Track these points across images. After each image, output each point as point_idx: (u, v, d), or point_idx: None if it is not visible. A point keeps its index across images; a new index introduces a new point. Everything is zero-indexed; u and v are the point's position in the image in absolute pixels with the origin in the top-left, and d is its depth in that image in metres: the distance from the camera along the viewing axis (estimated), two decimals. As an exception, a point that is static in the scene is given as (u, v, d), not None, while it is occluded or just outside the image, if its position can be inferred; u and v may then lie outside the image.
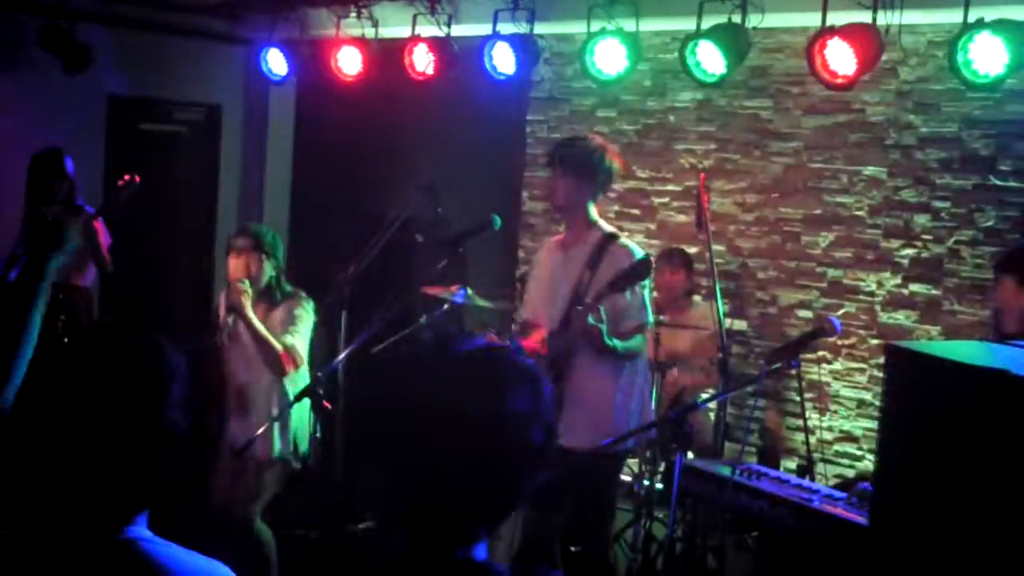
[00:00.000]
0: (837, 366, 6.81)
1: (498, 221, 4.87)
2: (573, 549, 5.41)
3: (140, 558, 1.85)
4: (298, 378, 4.98)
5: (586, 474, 4.52)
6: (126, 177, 6.11)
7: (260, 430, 4.72)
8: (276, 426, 4.91)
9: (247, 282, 4.86)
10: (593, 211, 4.76)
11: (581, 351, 4.58)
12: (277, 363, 4.84)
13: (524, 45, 6.43)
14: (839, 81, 5.36)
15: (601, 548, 4.80)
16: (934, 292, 6.46)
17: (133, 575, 1.84)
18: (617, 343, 4.52)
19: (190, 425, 1.94)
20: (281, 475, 5.04)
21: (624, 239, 4.75)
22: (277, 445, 4.93)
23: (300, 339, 4.94)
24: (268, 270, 4.98)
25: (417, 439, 1.65)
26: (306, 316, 4.99)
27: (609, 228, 4.79)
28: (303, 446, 5.01)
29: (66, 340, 1.88)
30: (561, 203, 4.74)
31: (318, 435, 4.82)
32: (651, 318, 4.75)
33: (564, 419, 4.63)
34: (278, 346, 4.82)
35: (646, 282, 4.57)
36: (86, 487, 1.84)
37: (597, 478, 4.63)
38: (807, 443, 5.62)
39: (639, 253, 4.62)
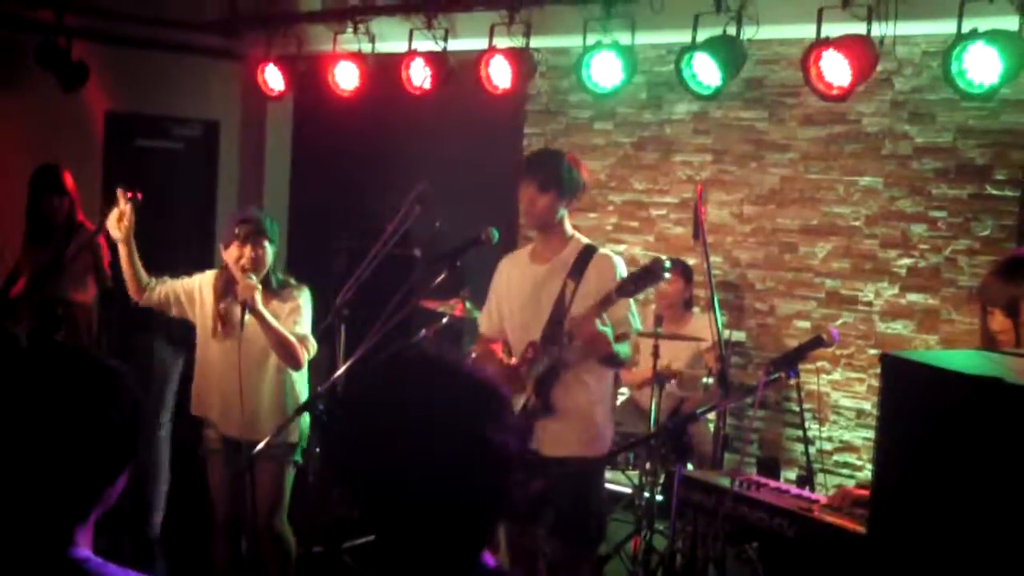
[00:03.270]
0: (836, 376, 6.82)
1: (496, 234, 4.87)
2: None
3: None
4: (302, 374, 4.96)
5: (575, 480, 4.52)
6: (128, 194, 6.14)
7: (262, 443, 4.70)
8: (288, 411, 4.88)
9: (253, 276, 4.74)
10: (568, 223, 4.75)
11: (566, 362, 4.57)
12: (292, 355, 4.75)
13: (520, 59, 6.46)
14: (834, 92, 5.38)
15: (588, 554, 4.76)
16: (932, 301, 6.48)
17: None
18: (619, 349, 4.52)
19: (131, 450, 1.95)
20: (293, 474, 5.02)
21: (605, 250, 4.75)
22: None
23: (308, 328, 4.89)
24: (271, 258, 4.88)
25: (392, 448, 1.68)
26: (307, 304, 4.93)
27: (585, 239, 4.78)
28: (304, 443, 4.98)
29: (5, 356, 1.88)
30: (541, 219, 4.68)
31: (318, 451, 4.79)
32: (638, 325, 4.73)
33: (549, 430, 4.61)
34: (292, 338, 4.74)
35: None
36: (17, 500, 1.86)
37: (587, 483, 4.62)
38: (807, 453, 5.64)
39: (620, 262, 4.63)
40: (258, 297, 4.69)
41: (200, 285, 5.00)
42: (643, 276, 4.28)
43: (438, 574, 1.72)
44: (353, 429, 1.75)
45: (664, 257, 4.31)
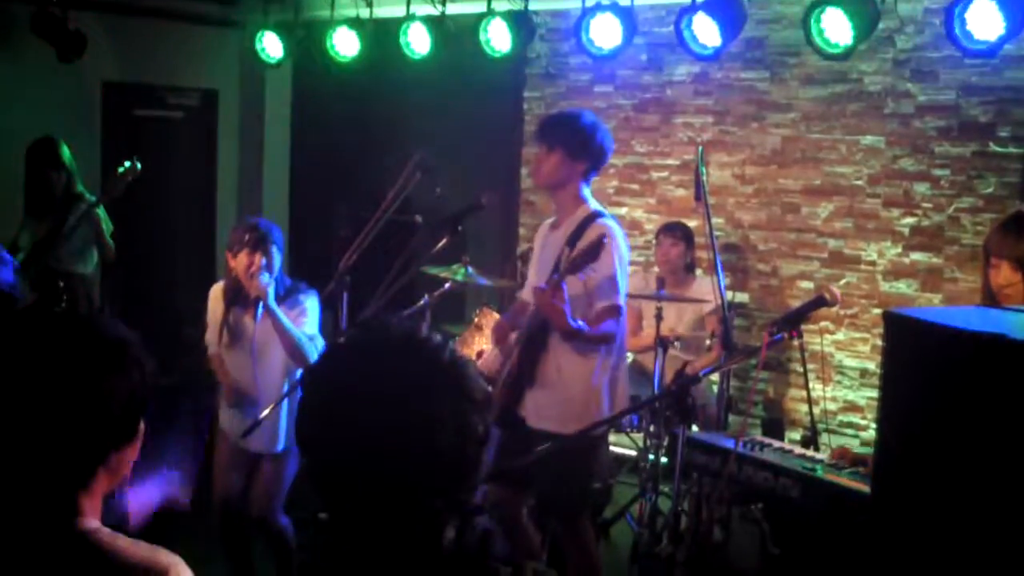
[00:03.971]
0: (840, 336, 6.82)
1: (494, 199, 4.84)
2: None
3: (94, 549, 1.87)
4: None
5: (556, 457, 4.21)
6: (126, 163, 6.13)
7: (265, 412, 4.71)
8: (285, 418, 4.89)
9: (267, 275, 4.72)
10: (584, 189, 4.59)
11: (555, 332, 4.46)
12: (301, 353, 4.74)
13: (519, 22, 6.40)
14: (836, 51, 5.34)
15: (576, 526, 4.67)
16: (935, 260, 6.46)
17: (91, 566, 1.85)
18: (583, 325, 4.34)
19: (137, 421, 1.95)
20: (294, 465, 5.02)
21: (605, 219, 4.53)
22: (283, 437, 4.93)
23: (316, 329, 4.89)
24: (278, 264, 4.83)
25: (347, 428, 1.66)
26: (314, 308, 4.91)
27: (596, 206, 4.60)
28: None
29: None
30: (546, 179, 4.57)
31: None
32: (623, 299, 4.51)
33: (535, 400, 4.52)
34: (304, 337, 4.75)
35: (617, 261, 4.42)
36: (21, 470, 1.86)
37: (568, 460, 4.42)
38: (811, 414, 5.63)
39: (611, 232, 4.39)
40: (271, 293, 4.69)
41: (211, 304, 5.01)
42: (586, 252, 4.15)
43: (403, 552, 1.69)
44: (316, 401, 1.73)
45: (607, 236, 4.18)
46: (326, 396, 1.72)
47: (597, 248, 4.13)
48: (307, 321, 4.85)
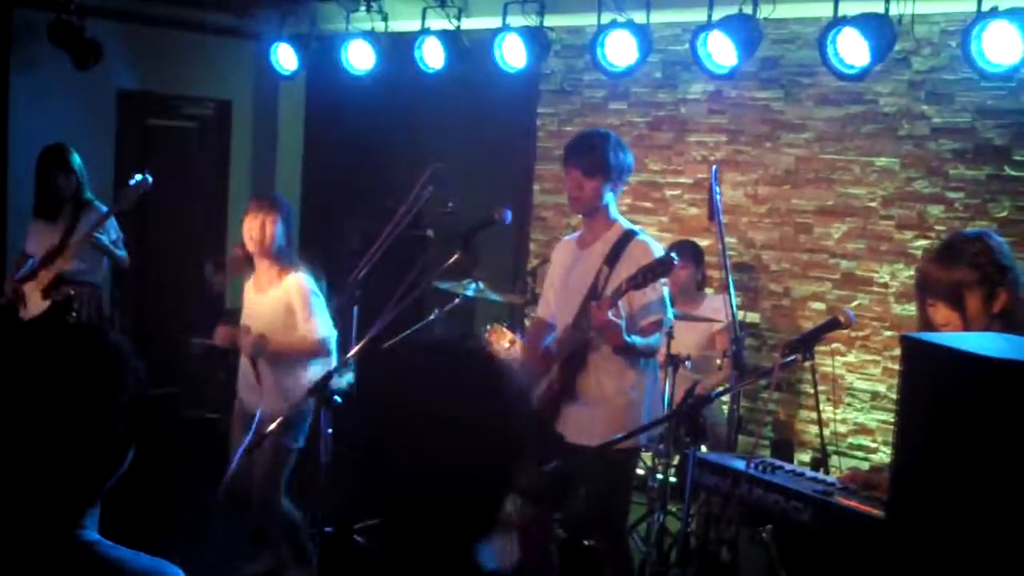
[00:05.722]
0: (851, 358, 6.78)
1: (508, 215, 4.84)
2: (586, 543, 5.40)
3: (97, 561, 1.86)
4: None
5: (598, 470, 4.47)
6: (137, 177, 6.13)
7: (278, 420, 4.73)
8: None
9: (255, 335, 5.01)
10: (614, 208, 4.69)
11: (596, 348, 4.52)
12: (312, 356, 5.05)
13: (534, 38, 6.42)
14: (851, 71, 5.33)
15: (617, 542, 4.76)
16: (948, 283, 6.41)
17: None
18: (636, 339, 4.45)
19: (139, 432, 1.93)
20: (294, 454, 5.15)
21: (644, 236, 4.66)
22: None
23: (323, 324, 5.08)
24: (280, 233, 5.07)
25: (399, 440, 1.66)
26: (316, 294, 5.12)
27: (628, 224, 4.71)
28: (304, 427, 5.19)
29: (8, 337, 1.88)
30: (588, 205, 4.62)
31: (330, 431, 4.80)
32: (671, 314, 4.68)
33: (576, 416, 4.58)
34: (309, 346, 5.03)
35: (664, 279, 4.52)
36: (28, 486, 1.84)
37: (610, 474, 4.56)
38: (821, 436, 5.60)
39: (659, 249, 4.53)
40: (262, 345, 4.99)
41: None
42: (653, 268, 4.23)
43: (437, 561, 1.69)
44: (369, 414, 1.73)
45: (673, 254, 4.32)
46: (373, 409, 1.72)
47: (667, 267, 4.24)
48: (314, 318, 5.04)
